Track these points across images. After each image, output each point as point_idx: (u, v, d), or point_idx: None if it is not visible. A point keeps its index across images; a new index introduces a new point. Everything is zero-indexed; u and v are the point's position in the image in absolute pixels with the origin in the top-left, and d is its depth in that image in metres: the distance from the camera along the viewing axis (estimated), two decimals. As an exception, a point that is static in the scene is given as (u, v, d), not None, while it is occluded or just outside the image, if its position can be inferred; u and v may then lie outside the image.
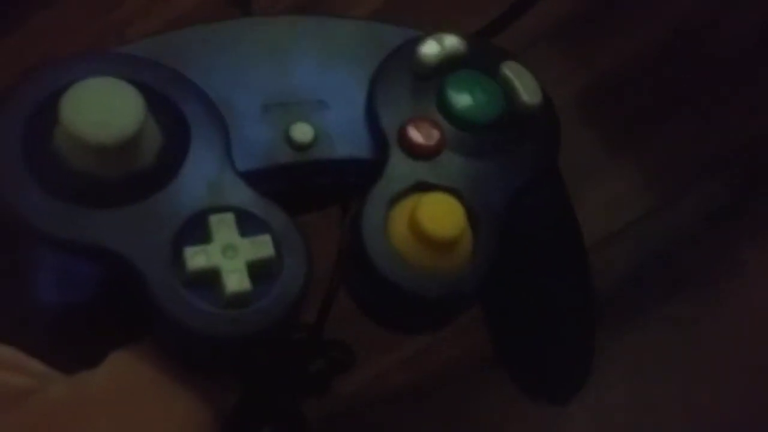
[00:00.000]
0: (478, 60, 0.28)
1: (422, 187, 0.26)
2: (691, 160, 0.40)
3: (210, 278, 0.23)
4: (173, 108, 0.25)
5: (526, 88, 0.28)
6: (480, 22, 0.40)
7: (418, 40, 0.28)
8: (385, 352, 0.38)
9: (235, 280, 0.23)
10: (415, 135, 0.26)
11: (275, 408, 0.31)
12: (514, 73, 0.28)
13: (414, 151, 0.26)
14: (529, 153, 0.28)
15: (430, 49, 0.27)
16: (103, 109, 0.23)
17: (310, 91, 0.27)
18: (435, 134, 0.26)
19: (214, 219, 0.24)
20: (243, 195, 0.25)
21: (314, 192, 0.28)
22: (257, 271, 0.24)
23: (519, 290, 0.30)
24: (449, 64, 0.27)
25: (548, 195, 0.29)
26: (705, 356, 0.37)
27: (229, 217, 0.24)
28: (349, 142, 0.27)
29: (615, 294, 0.39)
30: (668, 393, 0.37)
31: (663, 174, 0.41)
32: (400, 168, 0.26)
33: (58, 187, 0.24)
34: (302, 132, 0.26)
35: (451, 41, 0.28)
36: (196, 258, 0.23)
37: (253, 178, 0.25)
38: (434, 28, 0.27)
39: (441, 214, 0.25)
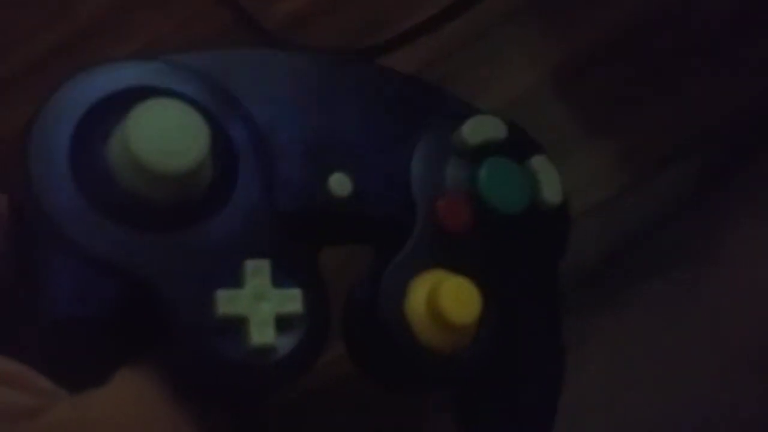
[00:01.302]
0: (513, 147, 0.29)
1: (445, 264, 0.27)
2: (666, 138, 0.40)
3: (236, 325, 0.24)
4: (225, 135, 0.25)
5: (549, 186, 0.29)
6: (393, 31, 0.39)
7: (465, 117, 0.28)
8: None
9: (262, 333, 0.24)
10: (446, 214, 0.27)
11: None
12: (541, 168, 0.29)
13: (442, 228, 0.27)
14: (542, 247, 0.29)
15: (474, 131, 0.28)
16: (168, 136, 0.23)
17: (354, 141, 0.27)
18: (464, 216, 0.27)
19: (250, 265, 0.24)
20: (281, 241, 0.25)
21: (335, 236, 0.28)
22: (282, 323, 0.24)
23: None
24: (488, 147, 0.28)
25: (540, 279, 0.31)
26: (682, 337, 0.37)
27: (265, 265, 0.24)
28: (383, 201, 0.27)
29: (591, 274, 0.38)
30: (646, 374, 0.36)
31: (638, 152, 0.40)
32: (426, 241, 0.27)
33: (99, 200, 0.23)
34: (341, 184, 0.26)
35: (495, 127, 0.29)
36: (228, 303, 0.23)
37: (287, 218, 0.26)
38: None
39: (461, 301, 0.26)
